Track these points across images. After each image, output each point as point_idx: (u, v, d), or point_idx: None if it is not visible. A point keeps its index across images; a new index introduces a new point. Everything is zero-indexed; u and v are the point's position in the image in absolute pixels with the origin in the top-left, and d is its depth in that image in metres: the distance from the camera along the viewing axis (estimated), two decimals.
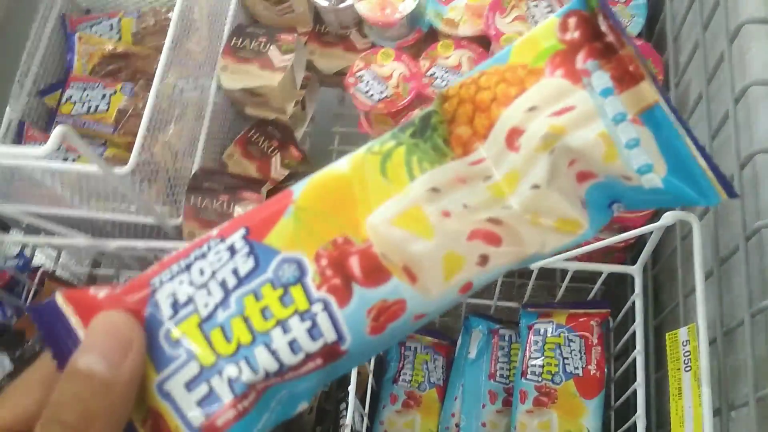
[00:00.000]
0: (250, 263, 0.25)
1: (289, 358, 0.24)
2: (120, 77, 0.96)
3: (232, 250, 0.26)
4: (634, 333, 0.65)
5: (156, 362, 0.25)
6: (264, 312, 0.25)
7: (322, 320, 0.25)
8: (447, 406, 0.79)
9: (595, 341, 0.70)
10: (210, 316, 0.25)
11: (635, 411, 0.62)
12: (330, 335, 0.24)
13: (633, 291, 0.66)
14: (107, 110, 0.92)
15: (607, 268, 0.67)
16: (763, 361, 0.53)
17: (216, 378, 0.24)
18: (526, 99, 0.25)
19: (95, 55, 0.96)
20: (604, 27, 0.24)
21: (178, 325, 0.25)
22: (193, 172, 0.88)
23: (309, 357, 0.25)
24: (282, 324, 0.25)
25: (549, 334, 0.73)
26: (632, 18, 0.80)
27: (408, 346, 0.85)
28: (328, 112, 1.07)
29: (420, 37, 0.92)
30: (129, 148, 0.74)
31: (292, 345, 0.24)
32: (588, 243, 0.67)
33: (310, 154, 1.01)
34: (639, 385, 0.61)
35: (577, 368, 0.70)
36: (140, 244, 0.75)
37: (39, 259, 1.00)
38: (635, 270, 0.65)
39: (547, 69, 0.25)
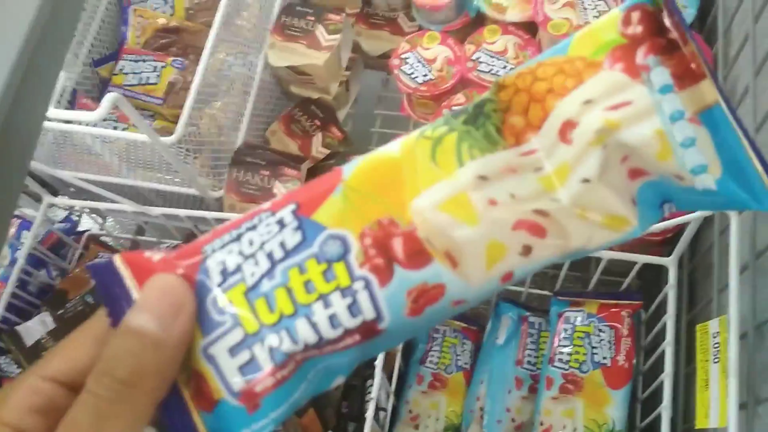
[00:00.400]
0: (297, 237, 0.26)
1: (328, 332, 0.25)
2: (171, 51, 0.98)
3: (281, 224, 0.26)
4: (665, 325, 0.64)
5: (203, 326, 0.26)
6: (307, 285, 0.25)
7: (362, 298, 0.25)
8: (473, 389, 0.79)
9: (626, 332, 0.70)
10: (255, 286, 0.26)
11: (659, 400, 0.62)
12: (369, 313, 0.25)
13: (665, 284, 0.66)
14: (157, 83, 0.95)
15: (641, 258, 0.66)
16: None
17: (258, 346, 0.25)
18: (582, 91, 0.24)
19: (148, 28, 0.98)
20: (668, 23, 0.23)
21: (226, 293, 0.26)
22: (237, 147, 0.90)
23: (347, 333, 0.25)
24: (323, 298, 0.25)
25: (579, 323, 0.73)
26: (684, 9, 0.78)
27: (437, 329, 0.85)
28: (372, 94, 1.08)
29: (467, 21, 0.92)
30: (176, 120, 0.76)
31: (332, 319, 0.25)
32: None
33: (351, 135, 1.02)
34: (666, 376, 0.61)
35: (605, 358, 0.70)
36: (183, 212, 0.78)
37: (85, 224, 1.04)
38: (670, 261, 0.65)
39: (606, 62, 0.24)
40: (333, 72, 0.95)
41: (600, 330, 0.71)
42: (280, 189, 0.85)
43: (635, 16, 0.24)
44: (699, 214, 0.57)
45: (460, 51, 0.88)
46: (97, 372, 0.24)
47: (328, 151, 0.95)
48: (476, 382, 0.80)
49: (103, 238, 0.99)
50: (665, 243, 0.81)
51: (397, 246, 0.25)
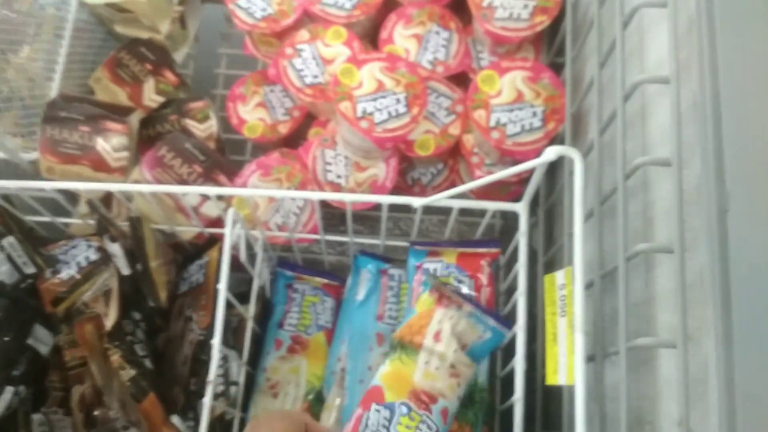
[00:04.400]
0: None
1: None
2: None
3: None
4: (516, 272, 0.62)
5: None
6: None
7: None
8: (334, 349, 0.75)
9: (485, 281, 0.67)
10: None
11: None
12: None
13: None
14: None
15: (492, 206, 0.62)
16: (637, 306, 0.51)
17: None
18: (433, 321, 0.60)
19: None
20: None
21: None
22: (50, 100, 0.78)
23: None
24: None
25: (438, 274, 0.69)
26: None
27: (296, 288, 0.80)
28: (215, 31, 0.97)
29: None
30: None
31: None
32: (481, 178, 0.62)
33: (194, 78, 0.92)
34: (519, 329, 0.58)
35: None
36: None
37: None
38: (521, 207, 0.61)
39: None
40: (161, 8, 0.83)
41: (460, 281, 0.67)
42: (103, 146, 0.75)
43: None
44: (543, 159, 0.53)
45: None
46: None
47: (162, 99, 0.84)
48: (337, 342, 0.75)
49: None
50: (524, 182, 0.78)
51: None
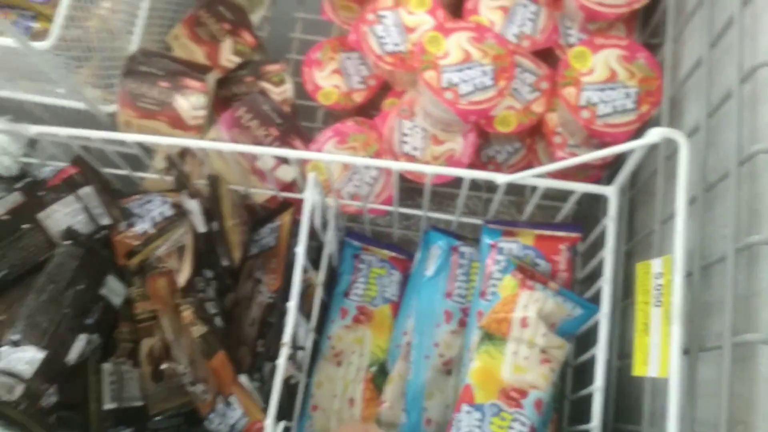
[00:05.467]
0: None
1: None
2: None
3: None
4: (602, 260, 0.60)
5: None
6: None
7: None
8: (400, 323, 0.74)
9: (563, 266, 0.65)
10: None
11: (597, 339, 0.58)
12: None
13: (605, 212, 0.61)
14: None
15: (580, 188, 0.60)
16: (737, 301, 0.49)
17: None
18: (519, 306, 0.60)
19: None
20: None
21: None
22: (131, 54, 0.78)
23: None
24: None
25: (514, 255, 0.68)
26: None
27: (363, 259, 0.79)
28: None
29: None
30: None
31: None
32: (563, 159, 0.60)
33: (267, 41, 0.91)
34: (603, 316, 0.56)
35: None
36: (62, 131, 0.67)
37: None
38: (611, 191, 0.59)
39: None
40: None
41: (536, 264, 0.66)
42: (181, 103, 0.75)
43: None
44: (645, 141, 0.50)
45: None
46: None
47: (239, 60, 0.84)
48: (404, 316, 0.75)
49: None
50: (604, 166, 0.76)
51: None
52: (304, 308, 0.71)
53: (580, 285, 0.71)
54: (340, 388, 0.73)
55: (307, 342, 0.69)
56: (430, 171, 0.62)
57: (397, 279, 0.78)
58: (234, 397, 0.64)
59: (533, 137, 0.79)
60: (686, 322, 0.51)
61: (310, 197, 0.60)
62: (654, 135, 0.50)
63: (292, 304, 0.58)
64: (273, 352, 0.68)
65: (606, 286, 0.57)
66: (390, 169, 0.76)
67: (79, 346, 0.64)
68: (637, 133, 0.64)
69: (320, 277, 0.70)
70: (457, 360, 0.70)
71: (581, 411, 0.68)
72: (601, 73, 0.66)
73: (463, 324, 0.71)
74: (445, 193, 0.85)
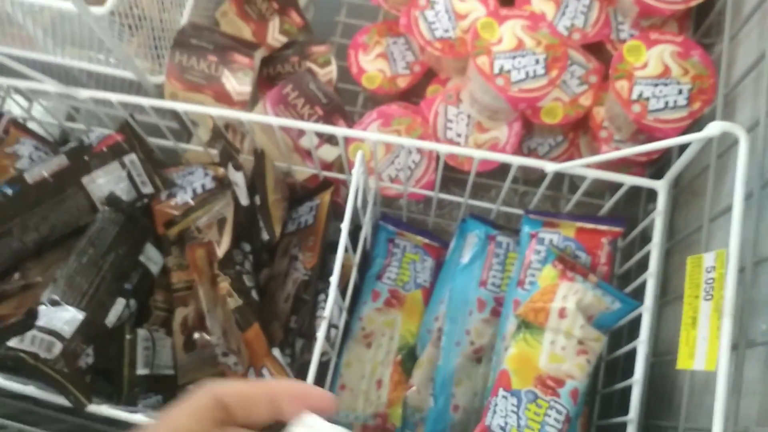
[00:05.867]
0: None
1: None
2: None
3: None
4: (647, 254, 0.59)
5: None
6: None
7: None
8: (431, 308, 0.74)
9: (604, 260, 0.65)
10: None
11: (634, 334, 0.58)
12: None
13: (646, 209, 0.60)
14: None
15: (630, 180, 0.60)
16: None
17: None
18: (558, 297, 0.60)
19: None
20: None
21: None
22: (181, 26, 0.78)
23: None
24: None
25: (554, 245, 0.67)
26: None
27: (397, 244, 0.79)
28: None
29: None
30: None
31: None
32: (608, 152, 0.60)
33: (312, 23, 0.91)
34: (646, 310, 0.56)
35: None
36: (114, 97, 0.67)
37: (14, 109, 0.91)
38: (661, 185, 0.58)
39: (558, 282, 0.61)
40: None
41: (576, 256, 0.65)
42: (229, 78, 0.75)
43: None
44: (704, 135, 0.50)
45: None
46: None
47: (285, 39, 0.84)
48: (436, 302, 0.74)
49: (28, 123, 0.87)
50: (648, 163, 0.75)
51: None
52: (338, 287, 0.71)
53: (618, 281, 0.71)
54: (368, 369, 0.73)
55: (341, 320, 0.69)
56: (478, 155, 0.62)
57: (430, 265, 0.78)
58: (266, 370, 0.64)
59: (577, 131, 0.78)
60: (735, 318, 0.50)
61: (356, 175, 0.60)
62: (713, 128, 0.50)
63: (334, 279, 0.58)
64: (306, 328, 0.68)
65: (651, 279, 0.56)
66: (431, 156, 0.77)
67: (117, 309, 0.64)
68: (686, 132, 0.64)
69: (356, 257, 0.70)
70: (488, 348, 0.70)
71: (611, 406, 0.67)
72: (655, 68, 0.66)
73: (495, 313, 0.71)
74: (480, 183, 0.85)
